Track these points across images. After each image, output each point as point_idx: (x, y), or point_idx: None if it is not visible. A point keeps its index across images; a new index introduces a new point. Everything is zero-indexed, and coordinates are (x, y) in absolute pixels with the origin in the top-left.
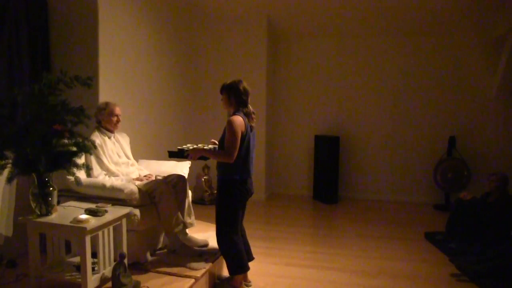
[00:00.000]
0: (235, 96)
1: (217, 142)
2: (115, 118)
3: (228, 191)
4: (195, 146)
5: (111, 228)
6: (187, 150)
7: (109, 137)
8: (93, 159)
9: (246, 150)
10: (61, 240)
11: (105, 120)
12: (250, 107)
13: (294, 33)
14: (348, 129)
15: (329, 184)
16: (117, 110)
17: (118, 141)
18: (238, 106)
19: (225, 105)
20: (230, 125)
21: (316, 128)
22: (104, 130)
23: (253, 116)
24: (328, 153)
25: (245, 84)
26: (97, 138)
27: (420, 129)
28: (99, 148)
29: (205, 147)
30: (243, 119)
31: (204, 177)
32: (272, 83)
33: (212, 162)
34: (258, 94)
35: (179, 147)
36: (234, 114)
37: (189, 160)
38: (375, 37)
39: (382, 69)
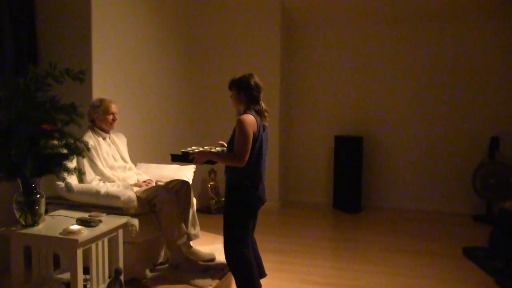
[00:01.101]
0: (245, 92)
1: (225, 144)
2: (110, 117)
3: (237, 198)
4: (201, 149)
5: (105, 240)
6: (192, 153)
7: (104, 138)
8: (86, 162)
9: (258, 153)
10: (49, 254)
11: (100, 119)
12: (263, 104)
13: (311, 20)
14: (373, 129)
15: (351, 191)
16: (113, 108)
17: (114, 143)
18: (249, 104)
19: (234, 102)
20: (240, 125)
21: (336, 127)
22: (99, 130)
23: (266, 114)
24: (350, 155)
25: (256, 78)
26: (90, 139)
27: (458, 128)
28: (92, 150)
29: (212, 150)
30: (254, 118)
31: (211, 183)
32: (287, 77)
33: (220, 166)
34: (271, 89)
35: (183, 150)
36: (244, 112)
37: (194, 164)
38: (404, 23)
39: (412, 60)
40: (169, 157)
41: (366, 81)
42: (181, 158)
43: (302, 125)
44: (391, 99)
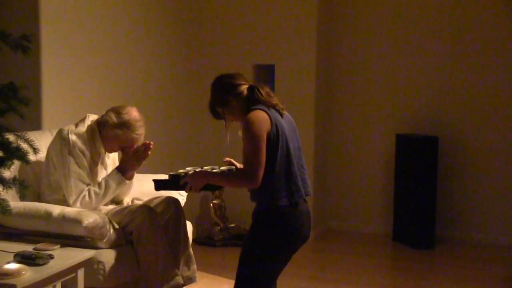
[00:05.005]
0: (234, 96)
1: (235, 163)
2: (120, 149)
3: (270, 228)
4: (198, 170)
5: (58, 285)
6: (184, 177)
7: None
8: (72, 167)
9: (285, 154)
10: None
11: (111, 137)
12: (257, 85)
13: None
14: (453, 126)
15: (420, 217)
16: (136, 145)
17: (107, 162)
18: (247, 101)
19: (236, 118)
20: (247, 125)
21: (398, 123)
22: (99, 139)
23: (267, 90)
24: (418, 164)
25: (224, 74)
26: (80, 140)
27: None
28: (82, 155)
29: (214, 170)
30: (264, 111)
31: (214, 202)
32: (326, 59)
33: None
34: (304, 77)
35: (171, 173)
36: (250, 110)
37: (187, 192)
38: None
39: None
40: (152, 169)
41: (442, 59)
42: (169, 185)
43: (347, 122)
44: (479, 84)
